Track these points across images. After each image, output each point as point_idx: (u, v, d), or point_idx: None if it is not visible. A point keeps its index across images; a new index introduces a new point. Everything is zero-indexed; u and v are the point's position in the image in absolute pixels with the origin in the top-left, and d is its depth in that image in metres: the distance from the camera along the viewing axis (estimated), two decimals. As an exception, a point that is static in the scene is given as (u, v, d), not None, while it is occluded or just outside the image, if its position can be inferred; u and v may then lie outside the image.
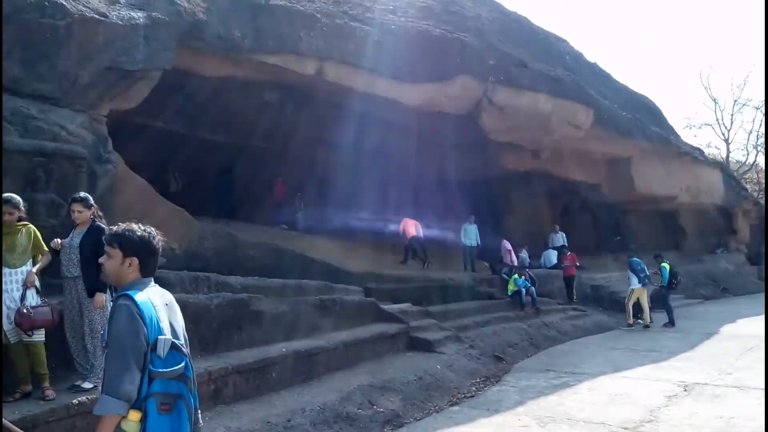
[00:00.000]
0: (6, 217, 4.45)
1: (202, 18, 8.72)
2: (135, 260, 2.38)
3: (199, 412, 2.40)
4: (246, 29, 9.47)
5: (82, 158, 6.88)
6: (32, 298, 4.46)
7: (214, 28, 8.95)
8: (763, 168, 34.32)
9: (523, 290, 12.56)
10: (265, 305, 7.25)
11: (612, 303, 15.06)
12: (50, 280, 5.19)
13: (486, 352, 9.21)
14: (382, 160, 15.61)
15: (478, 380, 7.91)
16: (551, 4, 65.01)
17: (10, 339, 4.36)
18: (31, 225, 4.72)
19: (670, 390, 6.97)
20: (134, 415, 2.16)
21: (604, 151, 18.09)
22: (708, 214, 23.77)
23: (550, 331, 11.52)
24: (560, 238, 17.81)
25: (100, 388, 2.28)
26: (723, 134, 38.21)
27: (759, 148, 36.32)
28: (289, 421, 5.40)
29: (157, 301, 2.35)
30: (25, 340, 4.36)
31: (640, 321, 12.80)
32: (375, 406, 6.24)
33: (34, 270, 4.59)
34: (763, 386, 6.75)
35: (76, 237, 4.83)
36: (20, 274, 4.50)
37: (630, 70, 62.94)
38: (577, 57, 18.86)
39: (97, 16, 7.24)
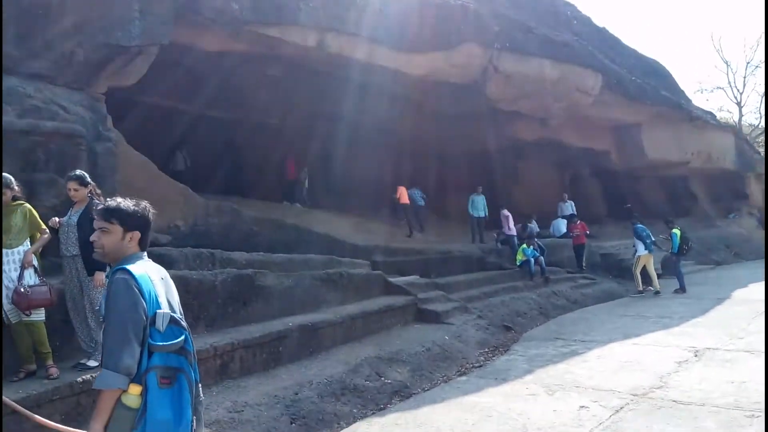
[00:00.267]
0: None
1: (199, -10, 8.53)
2: (137, 234, 2.37)
3: (200, 386, 2.37)
4: (244, 0, 9.27)
5: (80, 136, 6.80)
6: (30, 278, 4.43)
7: (211, 0, 8.76)
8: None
9: (532, 260, 12.50)
10: (270, 280, 7.23)
11: (622, 271, 14.95)
12: (54, 259, 5.18)
13: (494, 322, 9.18)
14: (385, 132, 15.44)
15: (486, 350, 7.89)
16: (558, -31, 63.45)
17: (11, 319, 4.35)
18: (26, 204, 4.66)
19: (680, 356, 6.91)
20: (135, 389, 2.14)
21: (614, 117, 17.76)
22: (720, 179, 23.46)
23: (559, 300, 11.48)
24: (569, 207, 17.69)
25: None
26: (735, 98, 37.63)
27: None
28: (297, 394, 5.40)
29: (154, 276, 2.33)
30: (24, 319, 4.34)
31: (650, 288, 12.70)
32: (382, 378, 6.23)
33: (32, 249, 4.55)
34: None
35: (73, 215, 4.78)
36: (17, 254, 4.46)
37: (640, 34, 61.81)
38: (585, 21, 18.40)
39: (90, -9, 7.10)
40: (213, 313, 6.35)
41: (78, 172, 4.93)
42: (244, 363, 5.86)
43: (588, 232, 15.34)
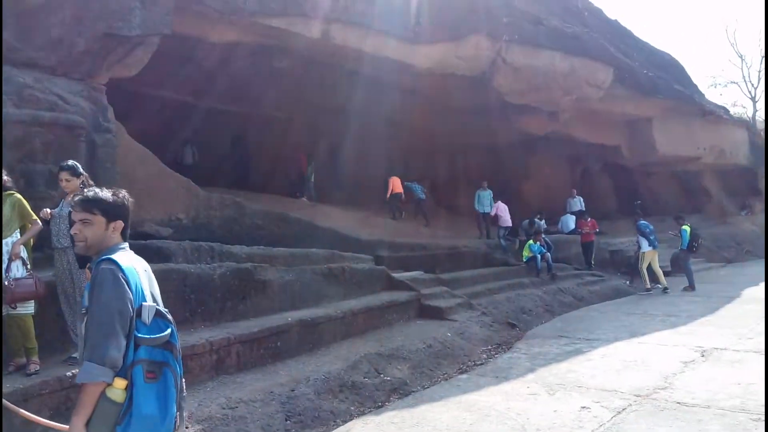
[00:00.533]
0: None
1: (201, -20, 8.45)
2: (120, 223, 2.34)
3: (183, 380, 2.31)
4: (248, -10, 9.18)
5: (80, 128, 6.76)
6: (17, 270, 4.36)
7: (214, -9, 8.68)
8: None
9: (539, 256, 12.35)
10: (270, 274, 7.15)
11: (631, 268, 14.74)
12: (49, 251, 5.12)
13: (498, 319, 9.05)
14: (393, 126, 15.31)
15: (489, 347, 7.77)
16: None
17: (3, 312, 4.29)
18: (16, 194, 4.59)
19: (686, 356, 6.76)
20: (120, 383, 2.08)
21: (625, 111, 17.49)
22: (732, 175, 23.09)
23: (565, 297, 11.32)
24: (578, 203, 17.48)
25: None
26: (750, 92, 37.03)
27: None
28: (293, 390, 5.32)
29: (138, 267, 2.29)
30: (11, 313, 4.27)
31: (658, 285, 12.51)
32: (382, 375, 6.14)
33: (20, 241, 4.48)
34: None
35: (65, 206, 4.70)
36: (5, 246, 4.39)
37: (652, 26, 61.00)
38: (597, 13, 18.09)
39: (90, -20, 7.04)
40: (211, 308, 6.28)
41: (70, 162, 4.85)
42: (241, 358, 5.79)
43: (598, 229, 15.14)
